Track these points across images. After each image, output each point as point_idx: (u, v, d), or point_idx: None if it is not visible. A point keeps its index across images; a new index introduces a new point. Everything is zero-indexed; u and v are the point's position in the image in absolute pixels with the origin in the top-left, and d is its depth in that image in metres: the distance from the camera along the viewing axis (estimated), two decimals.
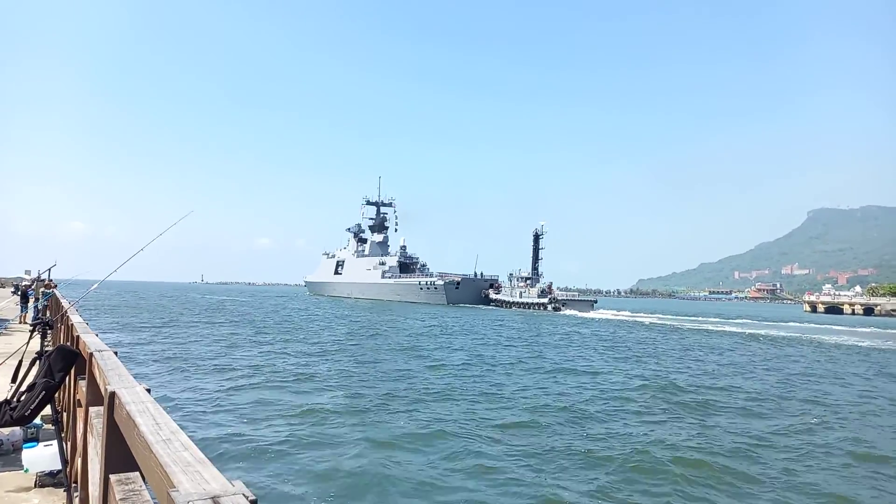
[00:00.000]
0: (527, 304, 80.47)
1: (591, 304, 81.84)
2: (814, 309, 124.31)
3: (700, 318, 68.81)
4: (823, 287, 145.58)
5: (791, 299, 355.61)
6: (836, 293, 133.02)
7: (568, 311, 73.90)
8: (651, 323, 56.92)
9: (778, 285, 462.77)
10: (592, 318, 62.97)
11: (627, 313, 75.43)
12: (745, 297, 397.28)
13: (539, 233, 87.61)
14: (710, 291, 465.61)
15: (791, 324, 63.39)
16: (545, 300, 78.33)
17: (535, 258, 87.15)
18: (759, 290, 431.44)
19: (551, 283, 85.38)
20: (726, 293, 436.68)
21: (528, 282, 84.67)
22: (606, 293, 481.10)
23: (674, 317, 70.72)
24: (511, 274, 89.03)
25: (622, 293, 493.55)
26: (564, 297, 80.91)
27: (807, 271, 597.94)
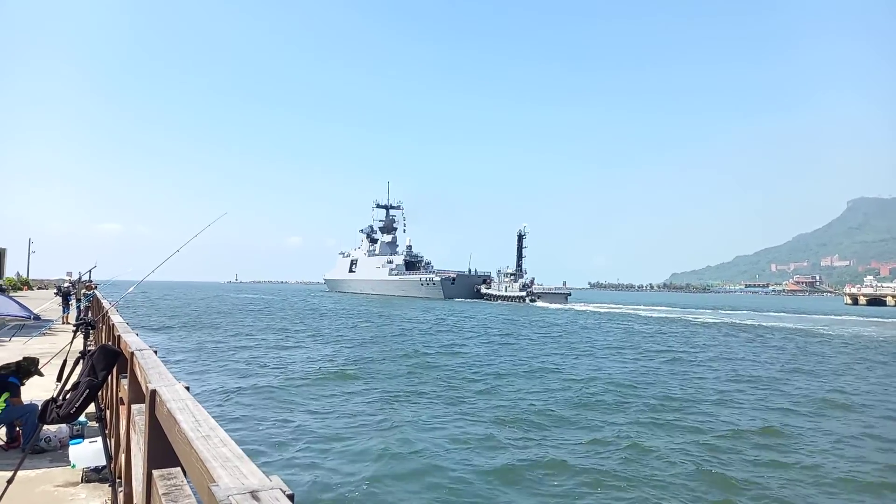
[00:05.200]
0: (510, 297, 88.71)
1: (565, 297, 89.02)
2: (855, 301, 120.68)
3: (672, 308, 77.16)
4: (865, 279, 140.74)
5: (831, 291, 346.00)
6: (879, 285, 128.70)
7: (541, 304, 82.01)
8: (607, 312, 64.17)
9: (817, 277, 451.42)
10: (558, 309, 70.87)
11: (600, 305, 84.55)
12: (783, 291, 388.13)
13: (522, 233, 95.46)
14: (746, 285, 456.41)
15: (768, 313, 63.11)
16: (524, 294, 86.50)
17: (519, 256, 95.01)
18: (798, 282, 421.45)
19: (533, 278, 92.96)
20: (763, 286, 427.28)
21: (513, 277, 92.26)
22: (639, 288, 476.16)
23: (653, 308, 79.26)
24: (499, 270, 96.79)
25: (654, 287, 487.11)
26: (541, 291, 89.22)
27: (847, 263, 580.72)
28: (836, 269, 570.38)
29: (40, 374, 7.61)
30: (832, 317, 63.40)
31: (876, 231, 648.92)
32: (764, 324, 47.45)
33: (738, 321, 50.44)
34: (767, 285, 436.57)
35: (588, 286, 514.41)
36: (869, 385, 18.23)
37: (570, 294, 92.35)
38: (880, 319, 59.43)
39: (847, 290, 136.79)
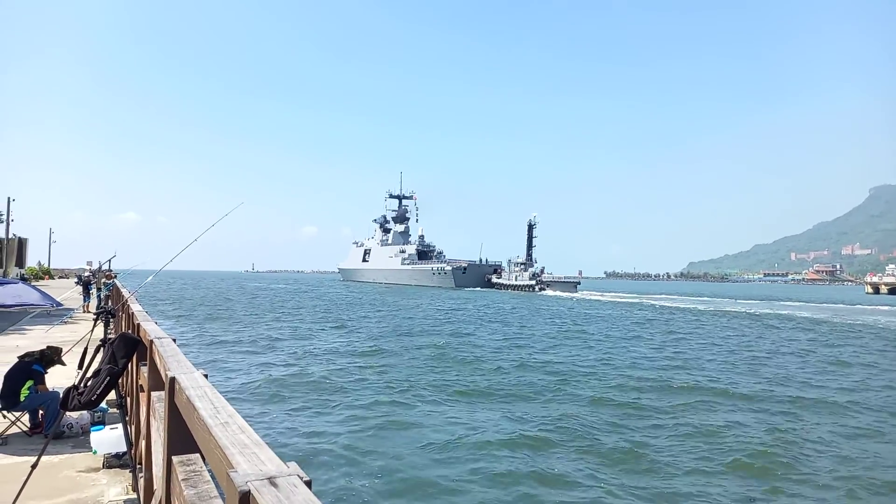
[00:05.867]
0: (520, 286, 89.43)
1: (575, 286, 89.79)
2: (876, 290, 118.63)
3: (673, 297, 79.79)
4: (887, 267, 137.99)
5: (852, 280, 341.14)
6: None
7: (551, 292, 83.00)
8: (614, 301, 64.12)
9: (838, 266, 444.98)
10: (566, 297, 72.11)
11: (608, 294, 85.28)
12: (803, 280, 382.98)
13: (532, 223, 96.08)
14: (764, 274, 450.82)
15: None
16: (533, 282, 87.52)
17: (529, 245, 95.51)
18: (818, 271, 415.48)
19: (543, 267, 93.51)
20: (782, 275, 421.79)
21: (523, 266, 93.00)
22: (655, 277, 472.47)
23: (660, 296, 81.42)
24: (510, 260, 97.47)
25: (671, 276, 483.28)
26: (550, 280, 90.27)
27: (869, 251, 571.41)
28: (856, 257, 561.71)
29: (62, 364, 7.73)
30: (856, 306, 62.57)
31: None
32: (781, 312, 47.01)
33: (753, 310, 49.97)
34: (787, 274, 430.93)
35: (604, 275, 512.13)
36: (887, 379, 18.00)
37: (579, 283, 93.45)
38: None
39: (868, 279, 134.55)
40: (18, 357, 7.43)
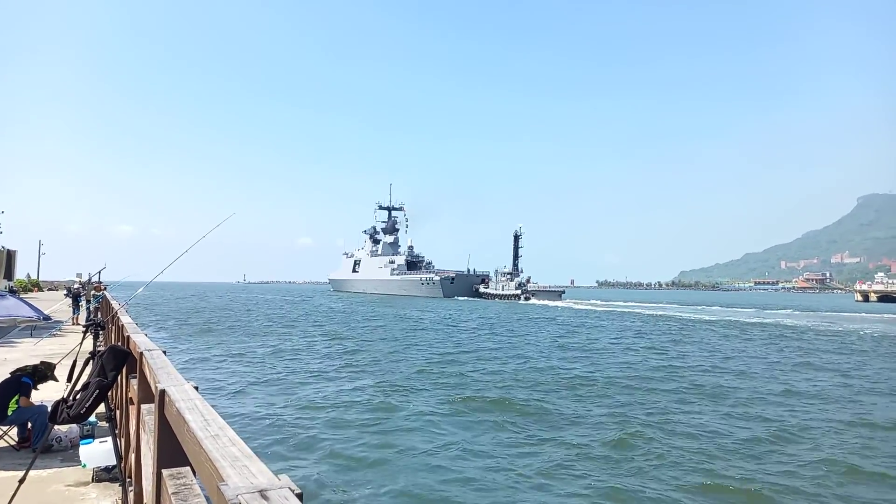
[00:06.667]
0: (506, 295, 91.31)
1: (559, 295, 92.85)
2: (866, 298, 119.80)
3: (650, 304, 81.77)
4: (876, 275, 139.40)
5: (842, 289, 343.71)
6: (890, 281, 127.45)
7: (536, 301, 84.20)
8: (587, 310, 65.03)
9: (827, 275, 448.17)
10: (549, 306, 73.16)
11: (593, 303, 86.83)
12: (793, 288, 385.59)
13: (518, 234, 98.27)
14: (755, 282, 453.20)
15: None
16: (519, 292, 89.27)
17: (515, 256, 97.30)
18: (808, 279, 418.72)
19: (529, 277, 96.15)
20: (772, 284, 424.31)
21: (509, 276, 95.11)
22: (647, 286, 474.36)
23: (636, 303, 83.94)
24: (496, 270, 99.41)
25: (663, 285, 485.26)
26: (535, 289, 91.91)
27: (858, 259, 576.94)
28: (846, 265, 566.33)
29: (55, 380, 7.67)
30: (842, 314, 63.13)
31: (887, 227, 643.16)
32: (778, 321, 47.24)
33: (742, 319, 50.22)
34: (777, 283, 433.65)
35: (596, 284, 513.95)
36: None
37: (563, 292, 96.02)
38: (891, 316, 59.00)
39: (858, 286, 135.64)
40: (11, 372, 7.37)
